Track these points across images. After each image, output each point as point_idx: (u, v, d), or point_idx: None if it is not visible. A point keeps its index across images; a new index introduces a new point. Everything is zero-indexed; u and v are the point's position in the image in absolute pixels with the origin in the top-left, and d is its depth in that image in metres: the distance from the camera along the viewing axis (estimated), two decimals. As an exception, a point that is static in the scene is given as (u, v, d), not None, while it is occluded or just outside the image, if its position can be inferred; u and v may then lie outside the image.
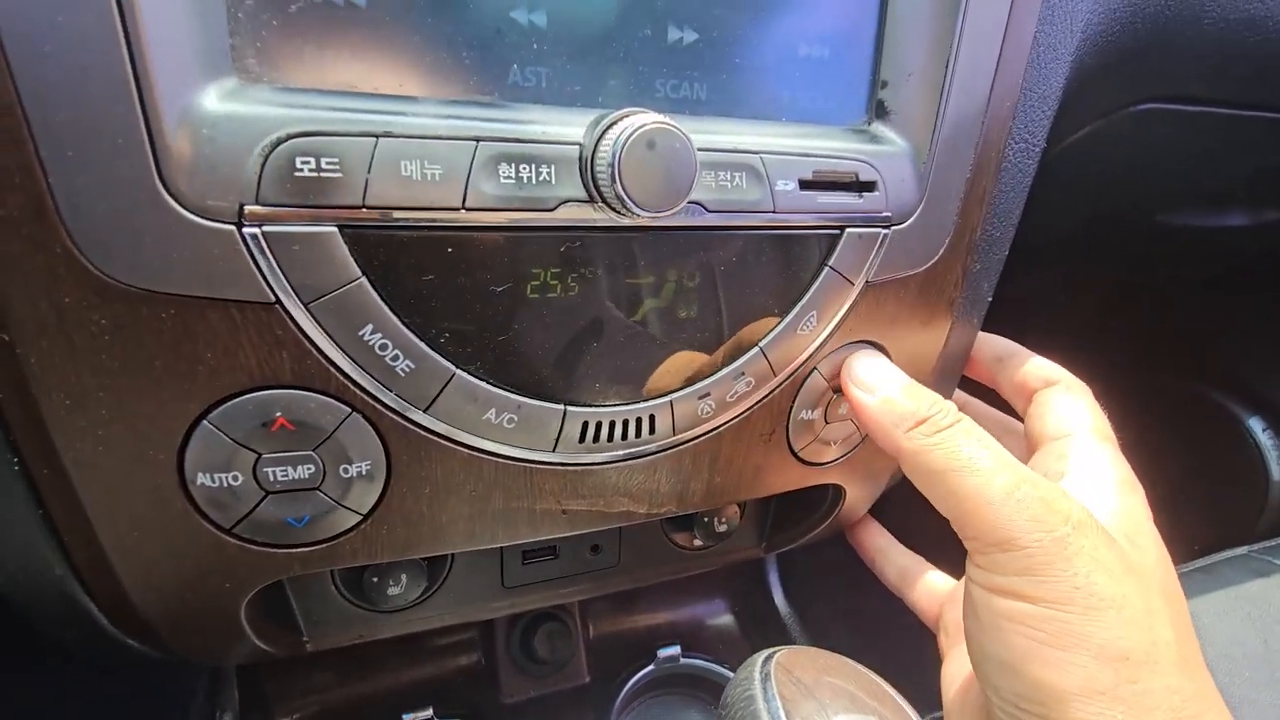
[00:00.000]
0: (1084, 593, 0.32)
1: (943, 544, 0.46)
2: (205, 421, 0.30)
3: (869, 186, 0.38)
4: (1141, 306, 1.26)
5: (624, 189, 0.30)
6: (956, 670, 0.45)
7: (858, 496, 0.53)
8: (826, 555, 0.68)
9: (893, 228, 0.40)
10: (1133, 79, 0.56)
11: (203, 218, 0.27)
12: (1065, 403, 0.48)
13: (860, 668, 0.33)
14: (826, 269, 0.39)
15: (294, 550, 0.35)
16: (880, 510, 0.59)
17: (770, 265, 0.38)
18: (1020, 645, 0.33)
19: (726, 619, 0.72)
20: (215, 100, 0.27)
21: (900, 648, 0.57)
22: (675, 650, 0.64)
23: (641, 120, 0.30)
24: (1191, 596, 0.71)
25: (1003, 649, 0.33)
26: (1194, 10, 0.54)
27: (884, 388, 0.41)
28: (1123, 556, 0.35)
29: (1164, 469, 1.30)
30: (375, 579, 0.44)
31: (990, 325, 0.54)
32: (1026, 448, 0.50)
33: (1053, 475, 0.43)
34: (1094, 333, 1.30)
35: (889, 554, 0.58)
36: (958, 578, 0.55)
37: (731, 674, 0.64)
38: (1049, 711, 0.32)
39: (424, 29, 0.30)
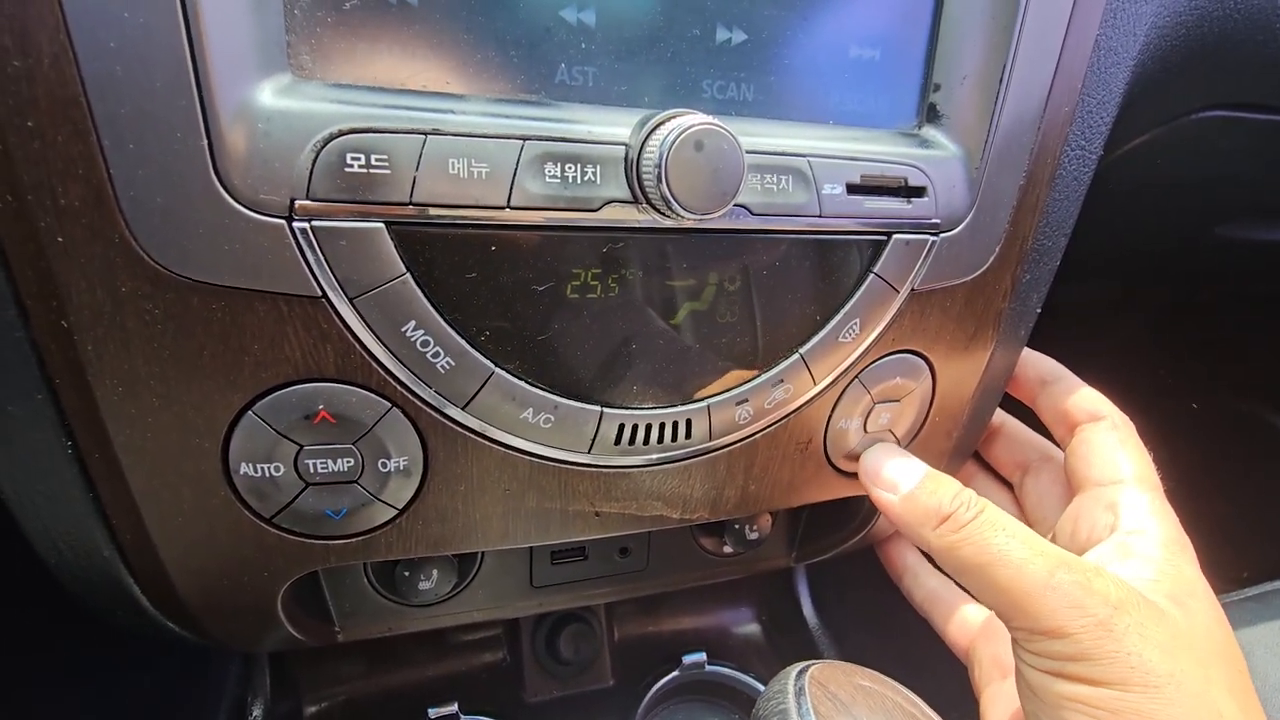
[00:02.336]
0: (1139, 671, 0.33)
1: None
2: (250, 412, 0.31)
3: (918, 192, 0.37)
4: (1195, 323, 1.22)
5: (670, 190, 0.30)
6: (998, 714, 0.44)
7: (894, 509, 0.51)
8: (857, 566, 0.67)
9: (941, 235, 0.39)
10: (1197, 85, 0.54)
11: (255, 211, 0.28)
12: (1111, 444, 0.46)
13: (897, 685, 0.32)
14: (871, 276, 0.38)
15: (331, 542, 0.35)
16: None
17: (813, 270, 0.37)
18: None
19: (753, 628, 0.71)
20: (270, 96, 0.27)
21: (933, 666, 0.55)
22: (701, 657, 0.64)
23: (689, 121, 0.29)
24: (1242, 627, 0.67)
25: None
26: (1264, 14, 0.51)
27: (905, 483, 0.41)
28: (1173, 627, 0.35)
29: (1217, 491, 1.25)
30: (407, 573, 0.44)
31: (1036, 340, 0.53)
32: (1067, 483, 0.49)
33: (1100, 528, 0.43)
34: (1145, 349, 1.26)
35: (918, 575, 0.56)
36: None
37: (758, 683, 0.64)
38: None
39: (474, 27, 0.30)
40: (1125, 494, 0.44)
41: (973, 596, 0.38)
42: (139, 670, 0.55)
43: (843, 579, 0.76)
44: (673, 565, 0.55)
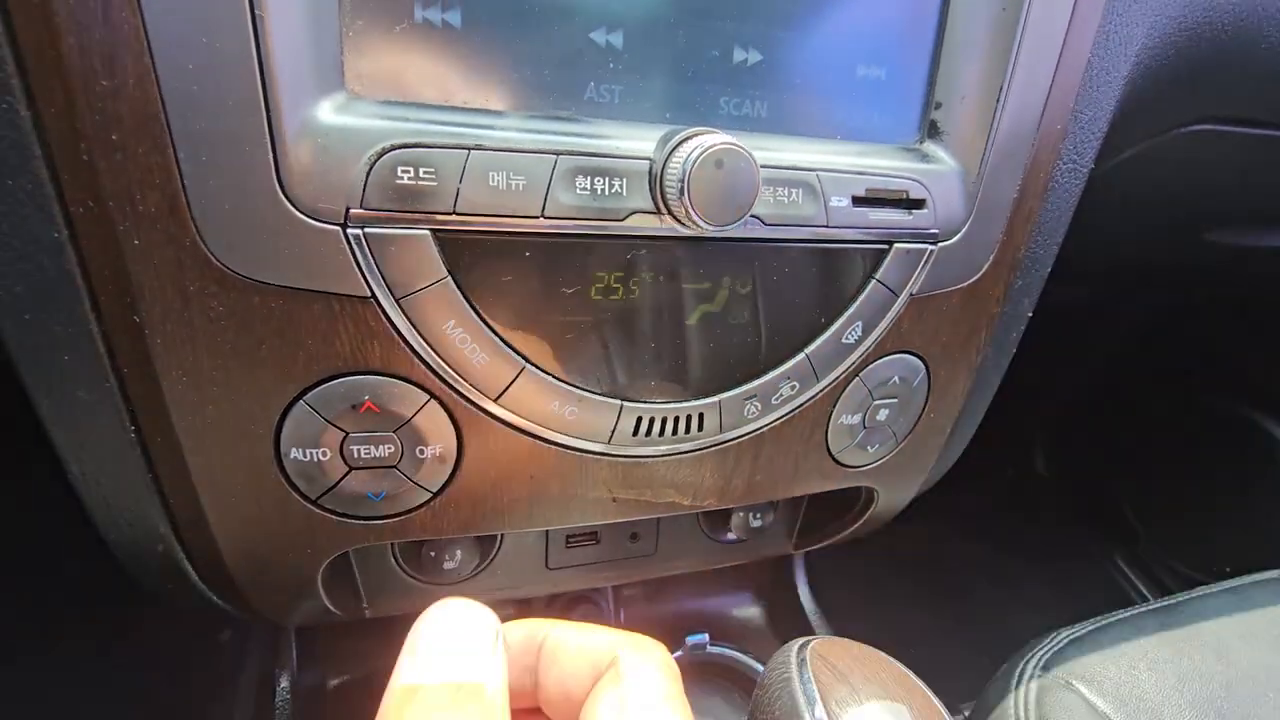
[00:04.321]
0: None
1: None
2: (302, 401, 0.34)
3: (918, 204, 0.40)
4: (1183, 325, 1.25)
5: (691, 203, 0.32)
6: None
7: (889, 500, 0.54)
8: (850, 555, 0.70)
9: (939, 244, 0.42)
10: (1186, 101, 0.56)
11: (313, 219, 0.30)
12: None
13: (892, 660, 0.35)
14: (873, 281, 0.41)
15: (370, 522, 0.38)
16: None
17: (820, 276, 0.40)
18: None
19: (753, 611, 0.74)
20: (329, 113, 0.30)
21: (919, 644, 0.59)
22: (704, 638, 0.67)
23: (711, 140, 0.32)
24: (1217, 617, 0.71)
25: None
26: (1252, 33, 0.54)
27: (437, 664, 0.26)
28: None
29: (1201, 488, 1.29)
30: (433, 554, 0.47)
31: (1027, 342, 0.56)
32: None
33: None
34: (1135, 351, 1.29)
35: None
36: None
37: (757, 663, 0.67)
38: None
39: (512, 48, 0.33)
40: None
41: None
42: (169, 648, 0.58)
43: (837, 567, 0.79)
44: (680, 551, 0.58)
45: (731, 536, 0.58)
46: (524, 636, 0.32)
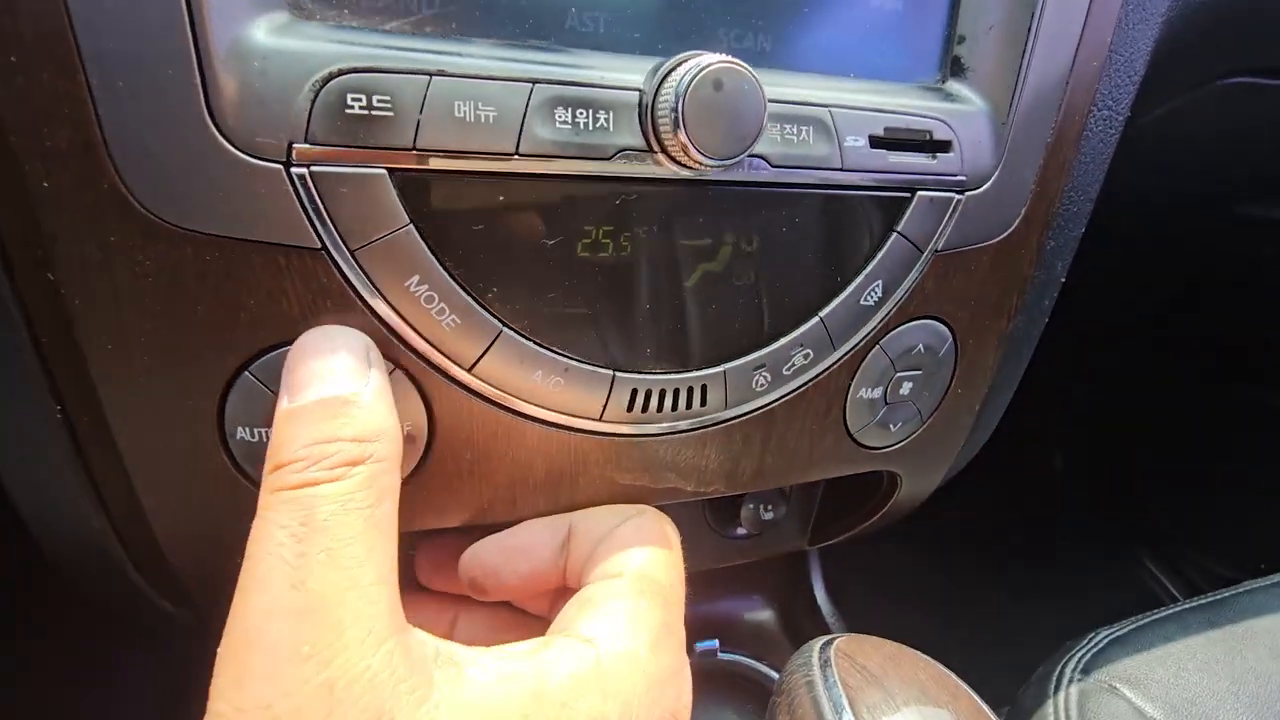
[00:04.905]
0: None
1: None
2: (247, 372, 0.30)
3: (943, 147, 0.36)
4: (1209, 307, 1.20)
5: (687, 133, 0.28)
6: None
7: (914, 486, 0.50)
8: (873, 549, 0.65)
9: (967, 193, 0.37)
10: (1223, 49, 0.52)
11: (251, 155, 0.26)
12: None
13: (929, 659, 0.31)
14: (894, 235, 0.37)
15: (332, 512, 0.33)
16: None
17: (834, 228, 0.36)
18: None
19: (766, 614, 0.69)
20: (266, 34, 0.26)
21: (947, 652, 0.54)
22: (713, 645, 0.62)
23: (708, 59, 0.28)
24: (1270, 613, 0.66)
25: None
26: (1293, -25, 0.50)
27: (309, 389, 0.27)
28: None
29: (1231, 482, 1.23)
30: (412, 553, 0.43)
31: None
32: None
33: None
34: (1156, 334, 1.24)
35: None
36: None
37: (772, 671, 0.62)
38: None
39: (480, -33, 0.29)
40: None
41: None
42: (111, 654, 0.54)
43: (855, 566, 0.75)
44: (686, 549, 0.53)
45: (741, 531, 0.53)
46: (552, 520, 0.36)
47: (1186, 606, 0.69)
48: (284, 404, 0.27)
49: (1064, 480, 1.47)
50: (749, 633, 0.68)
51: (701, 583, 0.68)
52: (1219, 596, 0.70)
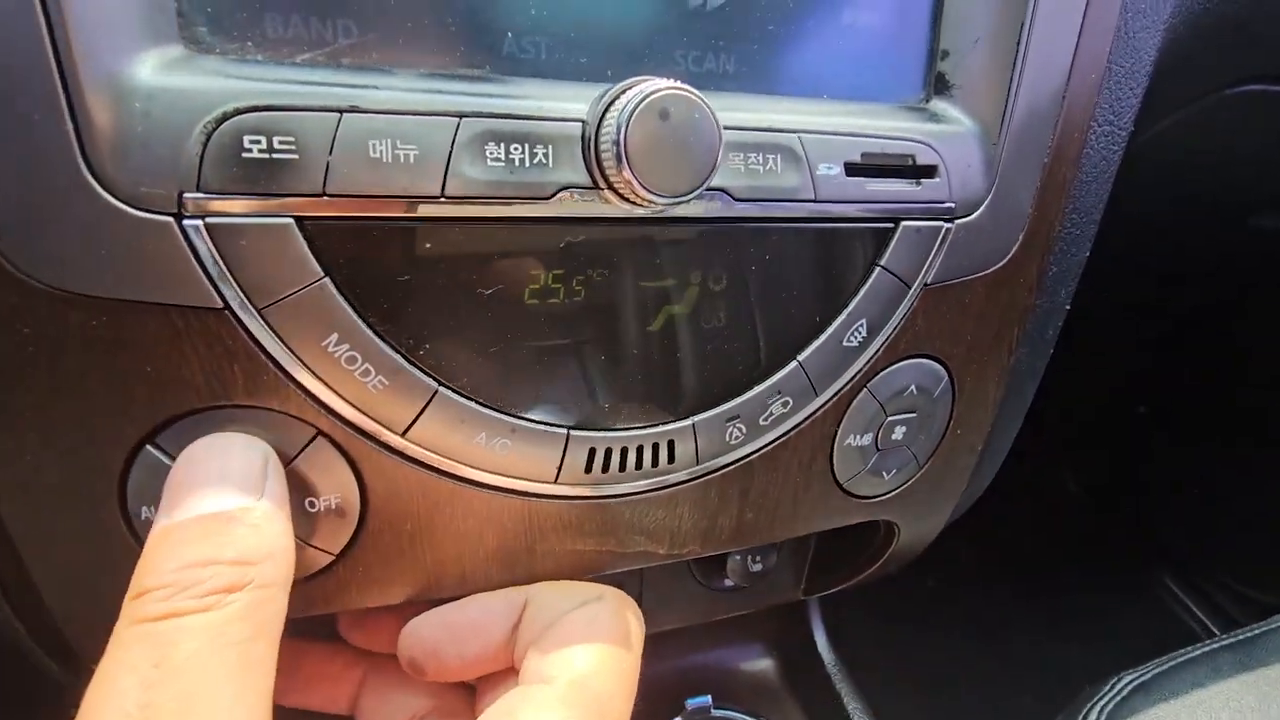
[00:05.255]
0: None
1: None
2: (148, 446, 0.26)
3: (928, 171, 0.33)
4: (1224, 324, 1.15)
5: (631, 170, 0.25)
6: None
7: (913, 534, 0.46)
8: (877, 593, 0.61)
9: (957, 221, 0.34)
10: (1231, 55, 0.49)
11: (136, 208, 0.23)
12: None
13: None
14: (877, 269, 0.33)
15: (257, 594, 0.30)
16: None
17: (811, 265, 0.32)
18: None
19: (764, 665, 0.65)
20: (151, 71, 0.23)
21: (963, 696, 0.49)
22: (706, 701, 0.58)
23: (652, 86, 0.25)
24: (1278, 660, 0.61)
25: None
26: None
27: (189, 504, 0.24)
28: None
29: (1257, 500, 1.18)
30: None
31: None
32: None
33: None
34: (1168, 354, 1.19)
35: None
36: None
37: (769, 730, 0.58)
38: None
39: (402, -9, 0.26)
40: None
41: None
42: None
43: (861, 607, 0.70)
44: (669, 604, 0.50)
45: (729, 583, 0.50)
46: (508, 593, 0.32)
47: (1214, 645, 0.64)
48: (160, 521, 0.24)
49: (1075, 506, 1.41)
50: (747, 686, 0.64)
51: (694, 631, 0.64)
52: (1250, 634, 0.65)
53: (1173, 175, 0.62)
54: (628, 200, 0.27)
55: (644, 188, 0.25)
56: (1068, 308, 0.44)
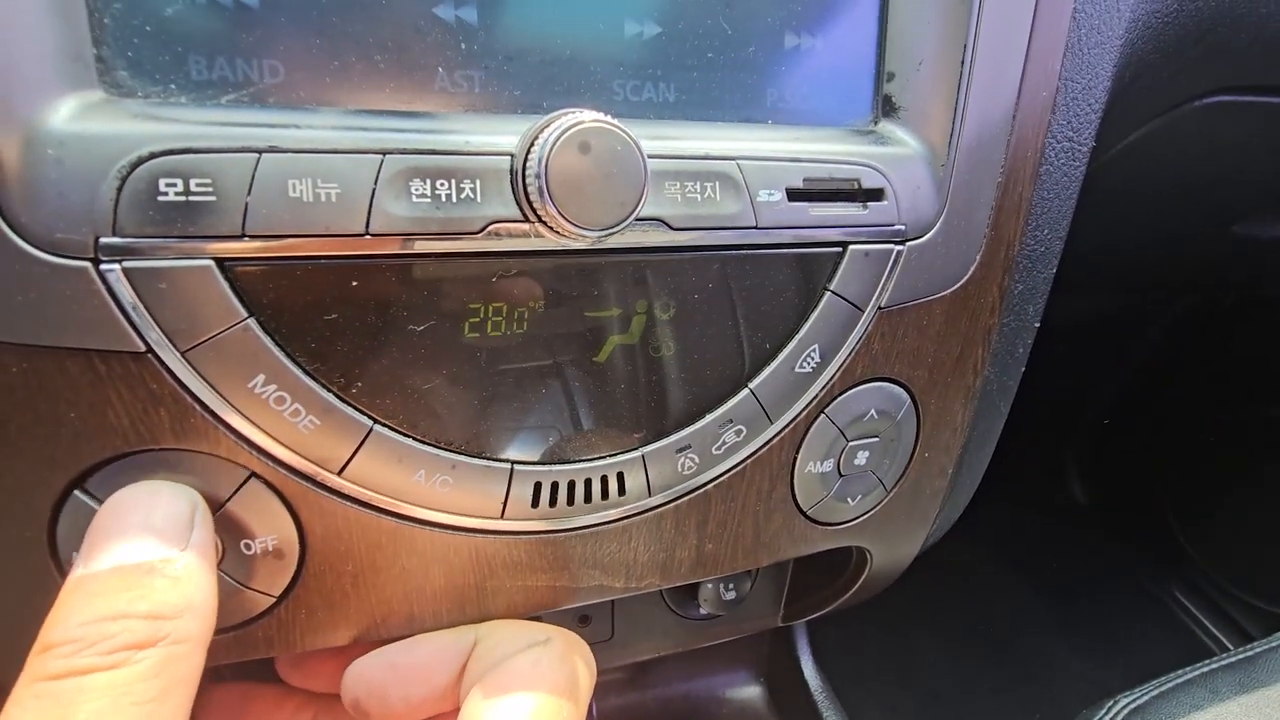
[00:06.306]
0: None
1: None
2: (77, 492, 0.26)
3: (875, 195, 0.32)
4: (1218, 330, 1.14)
5: (554, 204, 0.25)
6: None
7: (886, 559, 0.45)
8: (866, 619, 0.60)
9: (908, 243, 0.33)
10: (1198, 67, 0.48)
11: (51, 254, 0.23)
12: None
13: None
14: (827, 294, 0.33)
15: (195, 640, 0.29)
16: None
17: (759, 291, 0.32)
18: None
19: (749, 691, 0.64)
20: (66, 117, 0.23)
21: (959, 714, 0.48)
22: (687, 731, 0.56)
23: (573, 120, 0.25)
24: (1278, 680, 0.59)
25: None
26: (1264, -14, 0.46)
27: (105, 553, 0.23)
28: None
29: (1263, 506, 1.16)
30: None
31: (1043, 360, 0.47)
32: None
33: None
34: (1170, 361, 1.18)
35: None
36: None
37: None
38: None
39: (327, 31, 0.26)
40: None
41: None
42: None
43: (852, 624, 0.69)
44: (643, 633, 0.49)
45: (704, 611, 0.49)
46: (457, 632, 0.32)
47: (1213, 666, 0.62)
48: (75, 570, 0.23)
49: (1080, 516, 1.39)
50: (733, 713, 0.62)
51: (675, 657, 0.63)
52: (1250, 652, 0.63)
53: (1149, 189, 0.61)
54: (556, 233, 0.26)
55: (568, 221, 0.25)
56: (1038, 325, 0.44)
